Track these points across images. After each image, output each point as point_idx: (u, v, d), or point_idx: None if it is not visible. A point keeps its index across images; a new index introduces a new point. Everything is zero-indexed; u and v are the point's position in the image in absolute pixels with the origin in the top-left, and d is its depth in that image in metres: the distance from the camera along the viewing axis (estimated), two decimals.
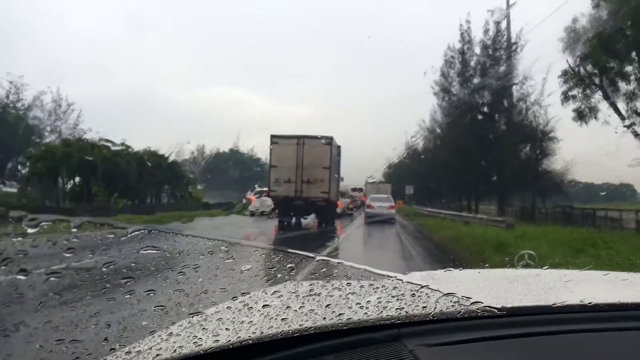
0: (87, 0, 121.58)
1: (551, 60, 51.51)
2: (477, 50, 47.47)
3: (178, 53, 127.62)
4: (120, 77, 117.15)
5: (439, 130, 54.58)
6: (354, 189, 62.30)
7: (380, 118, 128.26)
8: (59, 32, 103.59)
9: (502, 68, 45.88)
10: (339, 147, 36.61)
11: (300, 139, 32.24)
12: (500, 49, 45.91)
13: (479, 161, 46.97)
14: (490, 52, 46.26)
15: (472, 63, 47.96)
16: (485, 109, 47.81)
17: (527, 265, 2.75)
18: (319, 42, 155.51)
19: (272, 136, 32.58)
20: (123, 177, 43.34)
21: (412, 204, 72.68)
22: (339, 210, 43.27)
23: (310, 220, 33.33)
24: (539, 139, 44.46)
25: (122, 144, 46.69)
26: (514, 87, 45.10)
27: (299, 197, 31.89)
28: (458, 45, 48.61)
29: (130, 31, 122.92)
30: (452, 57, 48.71)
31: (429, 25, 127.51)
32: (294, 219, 32.52)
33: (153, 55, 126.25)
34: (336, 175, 36.63)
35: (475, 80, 47.51)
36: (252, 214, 41.97)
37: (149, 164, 47.24)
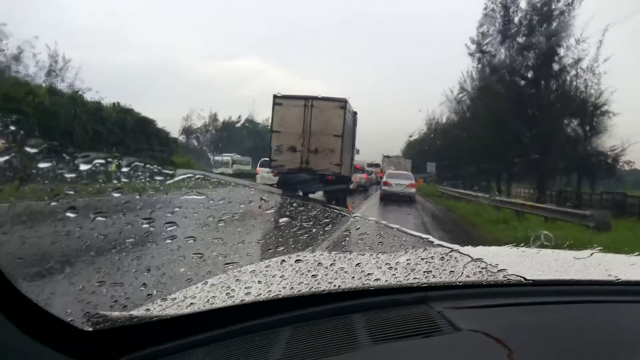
0: None
1: (608, 19, 44.91)
2: (523, 4, 39.40)
3: (197, 25, 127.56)
4: (138, 48, 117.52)
5: (469, 101, 48.43)
6: (370, 164, 59.14)
7: (401, 93, 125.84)
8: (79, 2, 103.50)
9: (553, 25, 37.67)
10: (355, 112, 32.96)
11: (309, 100, 28.05)
12: (552, 2, 37.81)
13: (517, 136, 39.64)
14: (539, 5, 38.13)
15: (517, 19, 39.97)
16: (529, 74, 39.72)
17: (543, 246, 2.75)
18: (338, 15, 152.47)
19: (275, 96, 28.42)
20: (62, 132, 35.15)
21: (433, 182, 67.46)
22: (352, 185, 39.08)
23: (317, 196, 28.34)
24: (590, 113, 38.05)
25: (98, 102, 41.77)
26: (565, 49, 37.91)
27: (305, 169, 27.82)
28: None
29: (150, 2, 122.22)
30: (493, 10, 40.70)
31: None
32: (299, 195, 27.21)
33: (172, 28, 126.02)
34: (350, 146, 32.39)
35: (520, 40, 39.71)
36: None
37: (108, 119, 40.85)
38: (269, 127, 30.42)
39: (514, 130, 38.90)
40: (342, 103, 28.29)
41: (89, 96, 43.12)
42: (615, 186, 42.39)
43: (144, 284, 2.06)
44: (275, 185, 27.82)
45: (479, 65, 43.93)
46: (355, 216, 2.94)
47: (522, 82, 40.33)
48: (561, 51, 37.96)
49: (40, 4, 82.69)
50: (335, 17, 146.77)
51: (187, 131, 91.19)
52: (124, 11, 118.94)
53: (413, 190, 38.63)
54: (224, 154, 77.29)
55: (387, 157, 65.73)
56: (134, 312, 1.72)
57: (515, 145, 39.43)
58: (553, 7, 37.78)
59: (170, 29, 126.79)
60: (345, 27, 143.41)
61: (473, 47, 43.12)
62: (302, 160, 27.76)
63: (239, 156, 78.58)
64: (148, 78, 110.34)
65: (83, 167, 2.08)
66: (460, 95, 50.61)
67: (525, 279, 1.82)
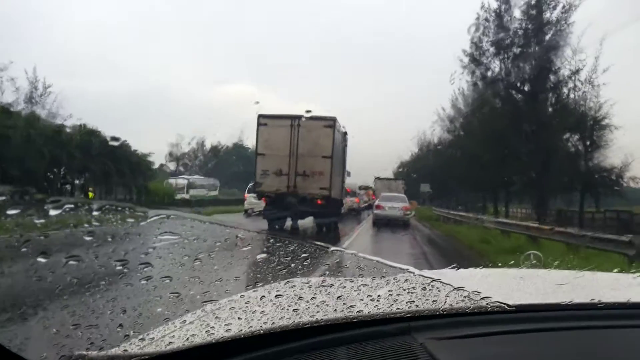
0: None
1: (606, 28, 40.43)
2: (517, 12, 36.68)
3: (189, 52, 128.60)
4: (130, 75, 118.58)
5: (462, 118, 45.34)
6: (361, 187, 56.66)
7: (390, 116, 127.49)
8: (71, 27, 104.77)
9: (548, 35, 35.03)
10: (345, 133, 30.40)
11: (295, 120, 25.84)
12: (547, 10, 35.00)
13: (514, 152, 36.94)
14: (534, 14, 35.31)
15: (511, 29, 37.15)
16: (526, 87, 36.89)
17: (533, 266, 2.74)
18: (329, 41, 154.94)
19: (260, 116, 26.28)
20: (13, 158, 31.78)
21: (427, 204, 64.73)
22: (343, 210, 36.75)
23: (307, 223, 26.97)
24: (590, 127, 35.48)
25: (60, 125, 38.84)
26: (562, 60, 34.90)
27: (293, 193, 25.68)
28: (494, 5, 37.21)
29: (142, 30, 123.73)
30: (486, 19, 37.70)
31: (441, 21, 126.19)
32: (287, 222, 26.22)
33: (164, 54, 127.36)
34: (341, 168, 30.27)
35: (514, 51, 36.84)
36: (247, 213, 36.79)
37: (69, 142, 37.32)
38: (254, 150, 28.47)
39: (511, 147, 36.89)
40: (331, 122, 26.30)
41: (69, 123, 41.25)
42: (616, 203, 40.37)
43: (120, 325, 2.01)
44: (262, 211, 27.59)
45: (473, 78, 40.85)
46: (334, 249, 2.92)
47: (519, 95, 38.19)
48: (558, 62, 35.63)
49: (25, 32, 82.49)
50: (327, 40, 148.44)
51: (175, 157, 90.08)
52: (112, 38, 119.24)
53: (408, 213, 35.97)
54: (179, 177, 67.67)
55: (379, 179, 62.40)
56: (112, 352, 1.67)
57: (513, 162, 37.49)
58: (548, 15, 35.45)
59: (160, 56, 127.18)
60: (336, 50, 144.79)
61: (466, 59, 40.11)
62: (290, 184, 25.83)
63: (201, 178, 71.62)
64: (138, 104, 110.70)
65: (53, 212, 2.05)
66: (453, 113, 48.29)
67: (508, 305, 1.80)
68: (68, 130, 39.80)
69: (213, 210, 40.77)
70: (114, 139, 46.84)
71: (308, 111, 27.64)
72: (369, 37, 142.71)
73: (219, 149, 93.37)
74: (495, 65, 38.29)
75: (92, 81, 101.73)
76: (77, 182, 43.61)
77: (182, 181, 63.23)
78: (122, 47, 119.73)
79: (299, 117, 25.77)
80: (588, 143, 36.01)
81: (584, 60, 33.84)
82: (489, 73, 38.65)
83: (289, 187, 25.61)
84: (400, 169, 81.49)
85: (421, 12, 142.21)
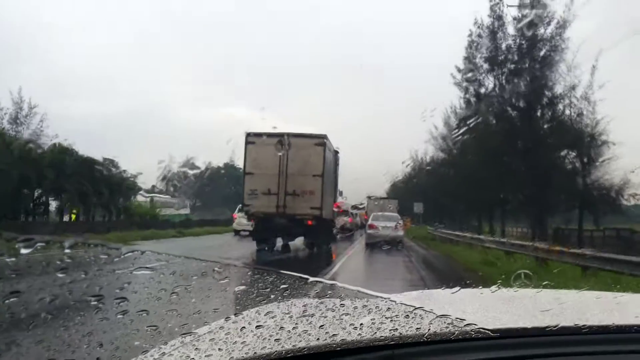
0: (94, 19, 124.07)
1: (601, 44, 36.37)
2: (510, 29, 35.96)
3: (181, 74, 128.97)
4: (123, 96, 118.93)
5: (456, 136, 43.78)
6: (354, 207, 54.82)
7: (382, 136, 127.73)
8: (65, 50, 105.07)
9: (543, 51, 34.60)
10: (336, 151, 29.72)
11: (284, 138, 24.82)
12: (541, 26, 34.30)
13: (511, 170, 36.27)
14: (527, 29, 34.16)
15: (504, 45, 36.47)
16: (521, 103, 36.22)
17: (523, 285, 2.74)
18: (321, 62, 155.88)
19: (248, 134, 25.34)
20: None
21: (421, 223, 61.12)
22: (335, 230, 35.33)
23: (297, 244, 26.40)
24: (587, 144, 34.08)
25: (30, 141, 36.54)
26: (558, 76, 34.26)
27: (282, 213, 24.75)
28: (487, 21, 36.61)
29: (135, 52, 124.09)
30: (480, 35, 37.07)
31: (435, 40, 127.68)
32: (277, 243, 25.57)
33: (157, 76, 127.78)
34: (332, 187, 29.58)
35: (509, 67, 36.26)
36: (237, 233, 36.40)
37: (40, 161, 35.29)
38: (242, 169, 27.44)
39: (507, 164, 36.15)
40: (321, 139, 25.37)
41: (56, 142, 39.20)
42: (616, 221, 37.96)
43: (97, 358, 1.97)
44: (251, 233, 26.75)
45: (466, 95, 40.04)
46: (313, 280, 2.90)
47: (513, 112, 37.19)
48: (553, 78, 34.93)
49: (14, 53, 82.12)
50: (318, 61, 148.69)
51: (165, 178, 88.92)
52: (106, 59, 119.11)
53: (401, 233, 34.27)
54: (141, 192, 63.80)
55: (372, 198, 59.46)
56: None
57: (509, 180, 36.70)
58: (542, 31, 34.80)
59: (154, 79, 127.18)
60: (328, 70, 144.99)
61: (459, 75, 39.36)
62: (279, 203, 24.75)
63: (166, 197, 67.15)
64: (130, 126, 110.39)
65: (24, 251, 2.01)
66: (446, 131, 46.96)
67: (492, 331, 1.78)
68: (40, 150, 37.93)
69: (202, 231, 40.87)
70: (108, 160, 45.40)
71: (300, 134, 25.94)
72: (362, 56, 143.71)
73: (210, 169, 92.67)
74: (489, 82, 37.74)
75: (84, 102, 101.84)
76: (53, 202, 41.59)
77: (143, 200, 56.89)
78: (116, 68, 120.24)
79: (289, 134, 25.02)
80: (585, 160, 34.68)
81: (580, 76, 33.23)
82: (483, 90, 38.10)
83: (278, 207, 24.72)
84: (394, 190, 78.23)
85: (415, 30, 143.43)
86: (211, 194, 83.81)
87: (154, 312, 2.41)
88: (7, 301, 1.97)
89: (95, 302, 2.25)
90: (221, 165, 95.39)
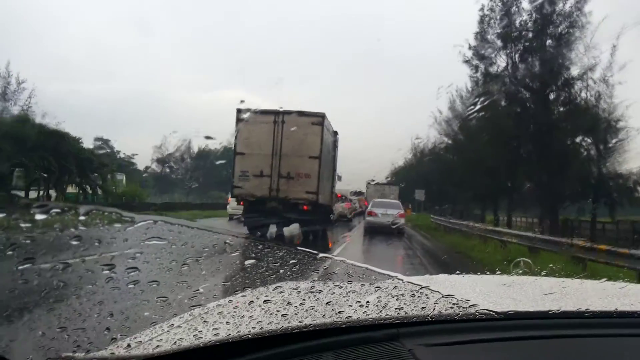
0: (95, 3, 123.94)
1: (623, 21, 34.58)
2: (525, 2, 33.12)
3: (182, 57, 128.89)
4: (124, 79, 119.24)
5: (464, 119, 40.14)
6: (353, 193, 54.16)
7: (384, 121, 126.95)
8: (66, 34, 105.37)
9: (560, 28, 31.74)
10: (335, 132, 28.01)
11: (279, 116, 23.20)
12: (559, 1, 31.67)
13: (521, 156, 33.97)
14: (544, 4, 31.68)
15: (518, 21, 33.52)
16: (535, 84, 33.07)
17: (523, 273, 2.76)
18: (322, 47, 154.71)
19: (239, 110, 23.47)
20: None
21: (422, 211, 61.51)
22: (333, 217, 33.51)
23: (292, 231, 23.77)
24: (604, 129, 31.28)
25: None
26: (575, 56, 31.21)
27: (275, 197, 23.16)
28: None
29: (136, 36, 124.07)
30: (492, 9, 34.11)
31: (436, 28, 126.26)
32: (270, 230, 23.40)
33: (158, 59, 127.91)
34: (330, 171, 27.79)
35: (523, 45, 33.55)
36: (232, 218, 34.80)
37: None
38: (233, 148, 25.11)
39: (517, 150, 33.75)
40: (319, 118, 23.62)
41: (44, 121, 37.23)
42: (633, 213, 35.72)
43: (107, 328, 2.01)
44: (241, 218, 25.03)
45: (476, 74, 36.78)
46: (322, 256, 2.92)
47: (527, 94, 34.12)
48: (571, 57, 31.86)
49: (18, 34, 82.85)
50: (318, 42, 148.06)
51: (161, 159, 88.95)
52: (104, 42, 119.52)
53: (402, 220, 32.63)
54: (115, 172, 54.55)
55: (372, 183, 57.67)
56: (99, 354, 1.66)
57: (519, 167, 34.30)
58: (560, 6, 31.89)
59: (154, 62, 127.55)
60: (327, 51, 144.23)
61: (469, 53, 36.04)
62: (272, 186, 23.18)
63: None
64: (129, 108, 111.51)
65: (39, 217, 2.04)
66: (451, 115, 44.22)
67: (496, 313, 1.80)
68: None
69: (187, 215, 37.46)
70: (101, 140, 44.45)
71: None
72: (363, 40, 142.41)
73: (208, 152, 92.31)
74: (502, 60, 35.02)
75: (86, 84, 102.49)
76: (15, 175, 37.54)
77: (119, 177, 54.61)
78: (117, 51, 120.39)
79: (284, 112, 23.39)
80: (602, 147, 31.85)
81: (598, 57, 30.43)
82: (494, 69, 35.42)
83: (271, 191, 23.20)
84: (394, 176, 74.46)
85: (419, 12, 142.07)
86: (207, 177, 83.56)
87: (164, 283, 2.45)
88: (20, 267, 2.01)
89: (107, 271, 2.29)
90: (219, 147, 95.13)
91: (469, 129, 40.12)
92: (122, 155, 73.85)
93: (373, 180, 59.05)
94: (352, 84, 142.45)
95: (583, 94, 32.22)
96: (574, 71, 32.09)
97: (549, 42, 32.82)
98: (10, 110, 38.51)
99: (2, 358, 1.51)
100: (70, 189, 40.53)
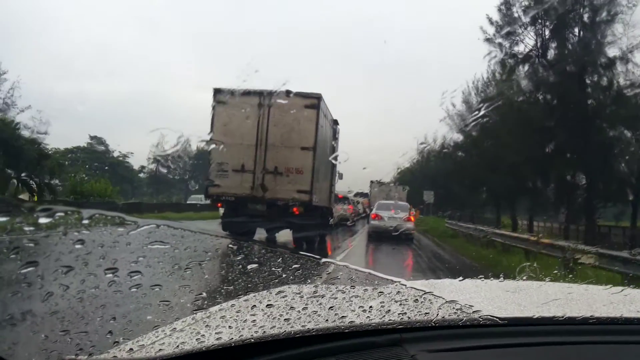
0: (98, 3, 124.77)
1: None
2: None
3: (185, 57, 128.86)
4: (127, 79, 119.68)
5: (484, 106, 30.15)
6: (357, 194, 48.56)
7: (389, 125, 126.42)
8: (69, 33, 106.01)
9: (598, 1, 26.80)
10: (334, 121, 23.35)
11: (265, 97, 18.97)
12: None
13: (549, 152, 28.70)
14: None
15: None
16: (568, 67, 27.34)
17: (528, 278, 2.76)
18: (324, 48, 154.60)
19: (217, 90, 19.43)
20: None
21: (430, 214, 55.99)
22: (332, 221, 28.04)
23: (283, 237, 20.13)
24: None
25: None
26: (615, 34, 26.22)
27: (259, 198, 19.01)
28: None
29: (140, 35, 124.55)
30: None
31: (440, 32, 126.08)
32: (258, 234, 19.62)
33: (160, 59, 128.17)
34: (328, 166, 22.62)
35: (554, 20, 28.24)
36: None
37: None
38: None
39: (548, 143, 28.71)
40: (314, 100, 19.25)
41: (28, 115, 36.51)
42: None
43: (110, 331, 2.02)
44: (220, 222, 20.08)
45: (501, 53, 31.21)
46: (325, 261, 2.94)
47: (558, 77, 27.87)
48: (611, 34, 26.76)
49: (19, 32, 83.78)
50: (323, 43, 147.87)
51: (157, 159, 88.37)
52: (104, 40, 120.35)
53: (411, 225, 28.17)
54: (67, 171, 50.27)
55: (377, 183, 51.66)
56: (101, 358, 1.68)
57: (550, 163, 28.69)
58: None
59: (153, 61, 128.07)
60: (333, 51, 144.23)
61: (492, 30, 30.49)
62: (256, 184, 19.05)
63: None
64: (128, 106, 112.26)
65: (43, 220, 2.06)
66: (465, 109, 38.92)
67: (500, 319, 1.81)
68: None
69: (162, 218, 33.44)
70: (94, 138, 42.92)
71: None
72: (369, 37, 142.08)
73: (204, 151, 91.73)
74: (530, 38, 29.86)
75: (89, 83, 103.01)
76: None
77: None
78: (118, 50, 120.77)
79: (271, 93, 18.91)
80: None
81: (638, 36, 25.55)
82: (521, 48, 30.19)
83: (254, 190, 19.07)
84: (398, 180, 65.12)
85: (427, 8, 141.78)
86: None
87: (166, 287, 2.47)
88: (23, 270, 2.02)
89: (110, 275, 2.30)
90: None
91: (488, 121, 32.97)
92: (116, 154, 73.54)
93: (378, 180, 52.51)
94: (356, 86, 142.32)
95: (623, 80, 27.17)
96: (612, 52, 26.98)
97: (586, 16, 27.74)
98: None
99: None
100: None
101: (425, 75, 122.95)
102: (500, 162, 31.13)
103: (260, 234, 19.60)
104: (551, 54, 28.95)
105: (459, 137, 43.07)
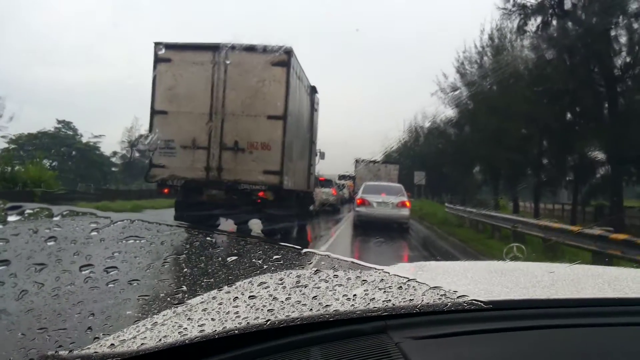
0: None
1: None
2: None
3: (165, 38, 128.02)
4: (108, 64, 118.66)
5: (492, 70, 28.46)
6: (342, 176, 44.65)
7: (371, 110, 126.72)
8: (48, 17, 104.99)
9: None
10: (312, 87, 20.14)
11: (220, 53, 15.51)
12: None
13: (566, 122, 25.80)
14: None
15: None
16: (591, 19, 23.22)
17: (515, 258, 2.79)
18: (312, 31, 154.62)
19: (158, 45, 15.33)
20: None
21: (422, 197, 52.03)
22: (313, 207, 25.26)
23: (254, 229, 16.30)
24: None
25: None
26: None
27: (216, 181, 15.72)
28: None
29: (119, 20, 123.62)
30: None
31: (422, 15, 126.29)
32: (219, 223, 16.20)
33: (143, 43, 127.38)
34: (304, 141, 19.78)
35: None
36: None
37: None
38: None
39: (568, 110, 25.33)
40: (284, 56, 15.54)
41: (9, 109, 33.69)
42: None
43: (89, 327, 2.01)
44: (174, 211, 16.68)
45: (508, 18, 27.89)
46: (307, 251, 2.94)
47: (579, 31, 23.83)
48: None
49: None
50: (311, 20, 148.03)
51: (130, 142, 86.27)
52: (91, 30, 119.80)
53: (406, 212, 23.98)
54: None
55: (363, 162, 46.09)
56: (83, 353, 1.67)
57: (567, 134, 25.15)
58: None
59: (135, 46, 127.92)
60: (319, 26, 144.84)
61: None
62: (211, 164, 15.68)
63: None
64: (107, 95, 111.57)
65: (11, 218, 2.04)
66: (460, 80, 35.14)
67: (485, 303, 1.82)
68: None
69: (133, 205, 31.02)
70: (62, 122, 42.05)
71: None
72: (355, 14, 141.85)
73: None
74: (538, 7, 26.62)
75: (65, 68, 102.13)
76: None
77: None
78: (100, 37, 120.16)
79: (227, 47, 15.43)
80: None
81: None
82: (528, 20, 27.08)
83: (209, 171, 15.73)
84: (388, 158, 59.00)
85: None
86: None
87: (145, 282, 2.45)
88: None
89: (86, 271, 2.28)
90: None
91: (495, 89, 30.35)
92: (84, 140, 72.36)
93: (365, 158, 47.88)
94: (344, 69, 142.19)
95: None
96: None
97: None
98: None
99: None
100: None
101: (401, 60, 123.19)
102: (504, 135, 28.01)
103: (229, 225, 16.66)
104: (568, 3, 25.27)
105: (453, 112, 40.45)
